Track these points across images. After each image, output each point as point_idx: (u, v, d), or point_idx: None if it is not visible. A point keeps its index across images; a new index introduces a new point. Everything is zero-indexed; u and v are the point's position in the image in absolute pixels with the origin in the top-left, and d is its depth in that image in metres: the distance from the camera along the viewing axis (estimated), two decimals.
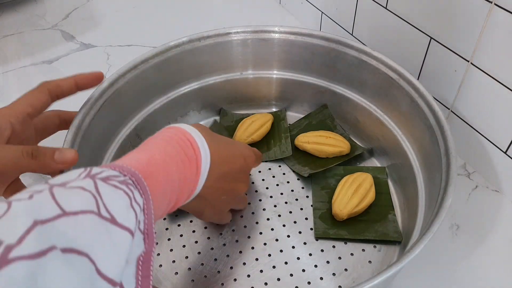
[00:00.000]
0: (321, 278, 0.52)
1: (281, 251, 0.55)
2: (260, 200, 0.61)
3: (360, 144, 0.67)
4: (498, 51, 0.53)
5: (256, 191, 0.62)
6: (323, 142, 0.64)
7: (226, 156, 0.47)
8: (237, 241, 0.56)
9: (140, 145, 0.41)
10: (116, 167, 0.33)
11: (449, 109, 0.63)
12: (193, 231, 0.57)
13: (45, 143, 0.69)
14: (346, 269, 0.53)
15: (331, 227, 0.57)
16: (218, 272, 0.53)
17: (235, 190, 0.51)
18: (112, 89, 0.58)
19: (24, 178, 0.64)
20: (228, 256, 0.54)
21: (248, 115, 0.71)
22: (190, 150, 0.41)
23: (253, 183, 0.63)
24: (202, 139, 0.43)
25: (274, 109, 0.74)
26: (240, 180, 0.51)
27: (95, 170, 0.32)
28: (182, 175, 0.39)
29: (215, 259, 0.54)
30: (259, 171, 0.65)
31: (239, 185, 0.51)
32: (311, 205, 0.60)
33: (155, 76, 0.63)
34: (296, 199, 0.61)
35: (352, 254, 0.54)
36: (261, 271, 0.53)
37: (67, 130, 0.51)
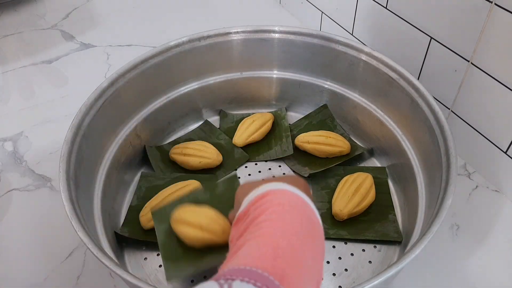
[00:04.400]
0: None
1: None
2: None
3: (360, 144, 0.67)
4: (498, 51, 0.53)
5: None
6: (323, 142, 0.64)
7: None
8: None
9: (249, 220, 0.33)
10: (244, 276, 0.27)
11: (449, 109, 0.63)
12: None
13: (45, 144, 0.69)
14: (346, 269, 0.53)
15: (331, 227, 0.57)
16: None
17: None
18: (112, 89, 0.58)
19: (24, 178, 0.64)
20: None
21: (248, 115, 0.71)
22: (312, 216, 0.34)
23: None
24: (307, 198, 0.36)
25: (274, 109, 0.74)
26: None
27: None
28: (316, 253, 0.33)
29: None
30: (259, 171, 0.65)
31: None
32: None
33: (155, 76, 0.63)
34: None
35: (352, 254, 0.54)
36: None
37: (67, 129, 0.51)
